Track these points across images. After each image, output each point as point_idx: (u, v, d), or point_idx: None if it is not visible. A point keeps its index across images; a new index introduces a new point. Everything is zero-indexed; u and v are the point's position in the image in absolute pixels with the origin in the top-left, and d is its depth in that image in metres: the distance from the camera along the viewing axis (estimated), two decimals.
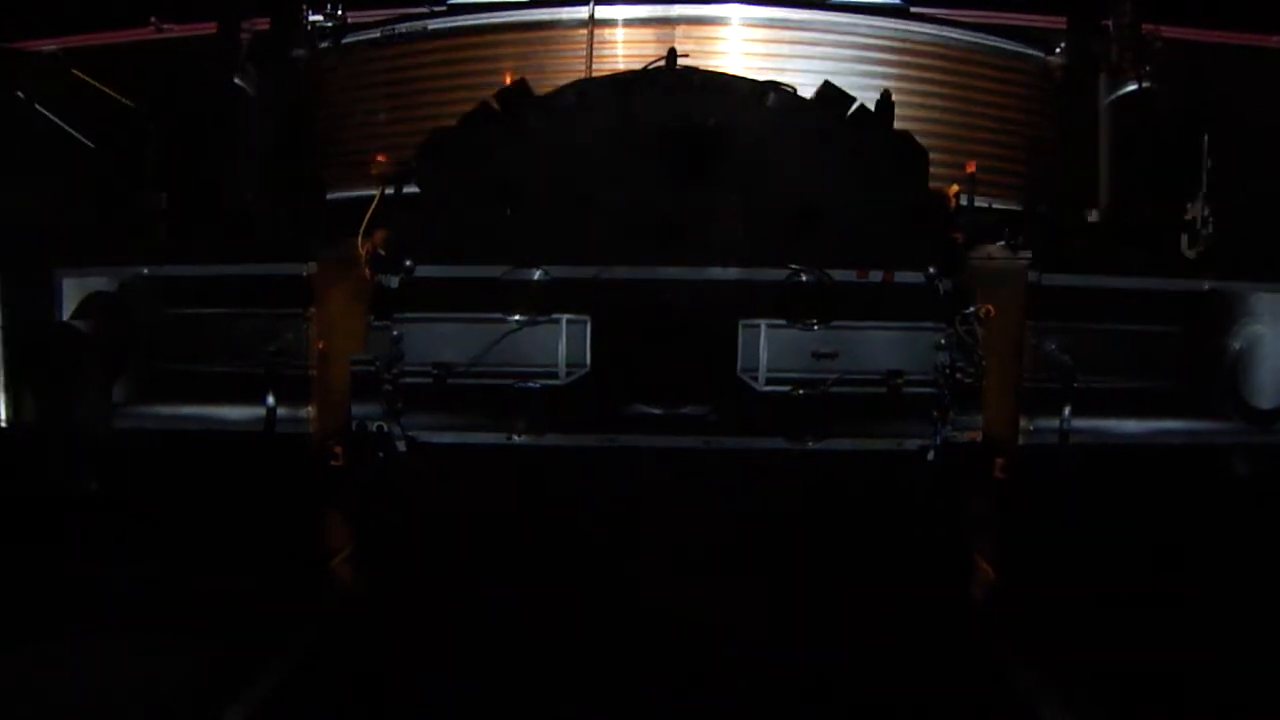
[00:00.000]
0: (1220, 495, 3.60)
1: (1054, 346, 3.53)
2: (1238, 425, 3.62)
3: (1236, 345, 3.61)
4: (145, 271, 3.71)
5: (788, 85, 3.79)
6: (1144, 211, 4.66)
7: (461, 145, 3.73)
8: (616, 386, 3.59)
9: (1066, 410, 3.49)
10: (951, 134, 4.91)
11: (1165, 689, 3.10)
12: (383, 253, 3.62)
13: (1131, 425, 3.62)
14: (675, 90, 3.69)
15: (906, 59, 4.93)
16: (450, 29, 5.04)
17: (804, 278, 3.59)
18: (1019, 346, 3.55)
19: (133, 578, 3.60)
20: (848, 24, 4.92)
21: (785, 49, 4.85)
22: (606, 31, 4.80)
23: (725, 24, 4.89)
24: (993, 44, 5.12)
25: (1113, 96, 4.89)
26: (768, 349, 3.59)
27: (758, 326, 3.59)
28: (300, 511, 3.59)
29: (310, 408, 3.58)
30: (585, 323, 3.59)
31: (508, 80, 3.95)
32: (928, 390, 3.61)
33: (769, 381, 3.59)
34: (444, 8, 5.10)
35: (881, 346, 3.61)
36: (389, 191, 3.76)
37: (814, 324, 3.59)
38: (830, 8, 4.98)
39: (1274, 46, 5.87)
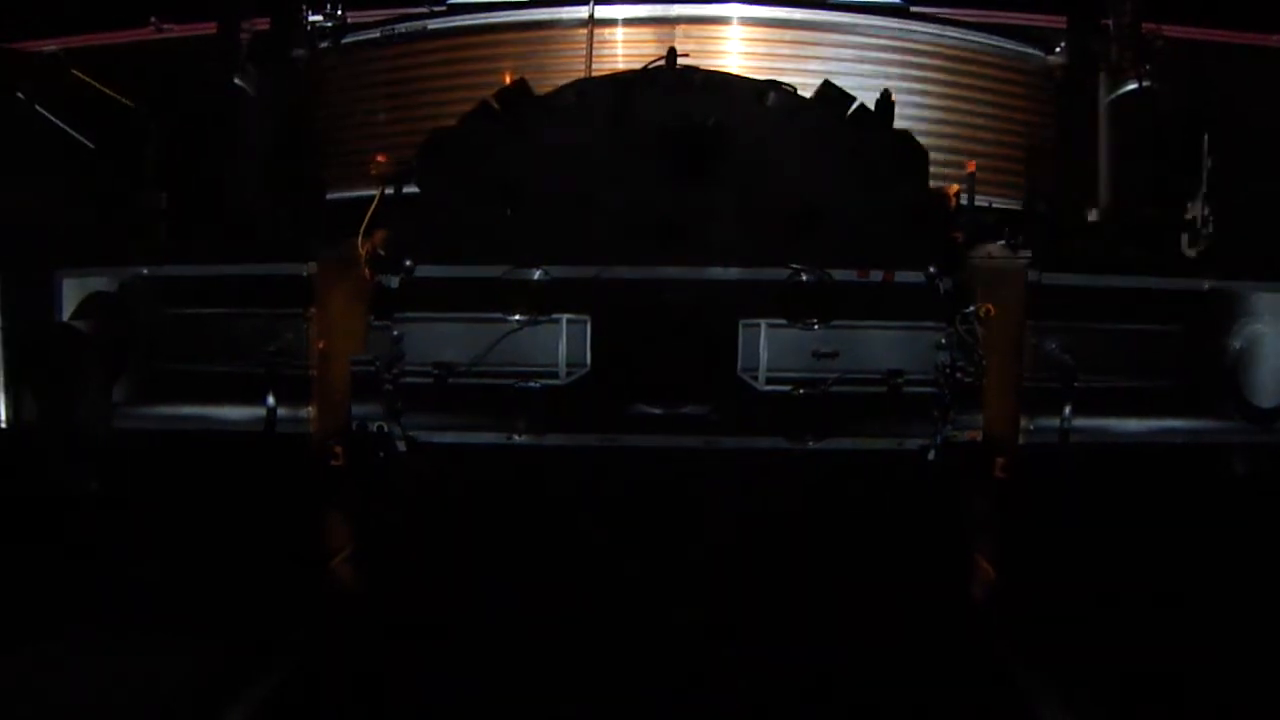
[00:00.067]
0: (1221, 495, 3.60)
1: (1054, 346, 3.53)
2: (1238, 424, 3.62)
3: (1237, 344, 3.61)
4: (145, 271, 3.71)
5: (788, 85, 3.79)
6: (1144, 211, 4.66)
7: (461, 145, 3.73)
8: (617, 386, 3.59)
9: (1067, 409, 3.49)
10: (951, 134, 4.91)
11: (1165, 689, 3.10)
12: (383, 253, 3.62)
13: (1132, 424, 3.62)
14: (675, 90, 3.69)
15: (907, 58, 4.93)
16: (450, 29, 5.04)
17: (804, 277, 3.59)
18: (1019, 346, 3.55)
19: (133, 578, 3.60)
20: (848, 23, 4.93)
21: (785, 48, 4.85)
22: (606, 31, 4.80)
23: (725, 23, 4.89)
24: (993, 43, 5.12)
25: (1113, 96, 4.88)
26: (768, 348, 3.59)
27: (758, 326, 3.59)
28: (300, 511, 3.59)
29: (310, 408, 3.58)
30: (585, 322, 3.59)
31: (507, 80, 3.94)
32: (928, 390, 3.61)
33: (769, 381, 3.59)
34: (444, 7, 5.10)
35: (882, 346, 3.61)
36: (389, 191, 3.76)
37: (814, 323, 3.59)
38: (830, 7, 4.98)
39: (1275, 46, 5.86)
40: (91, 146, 4.84)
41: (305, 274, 3.59)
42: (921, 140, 3.82)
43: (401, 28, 5.06)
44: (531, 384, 3.58)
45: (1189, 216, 4.29)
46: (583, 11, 4.70)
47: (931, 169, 3.80)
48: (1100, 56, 4.95)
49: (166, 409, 3.70)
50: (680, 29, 4.81)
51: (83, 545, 3.64)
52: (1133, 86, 4.79)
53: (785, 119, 3.67)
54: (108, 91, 5.07)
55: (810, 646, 3.36)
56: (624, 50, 4.79)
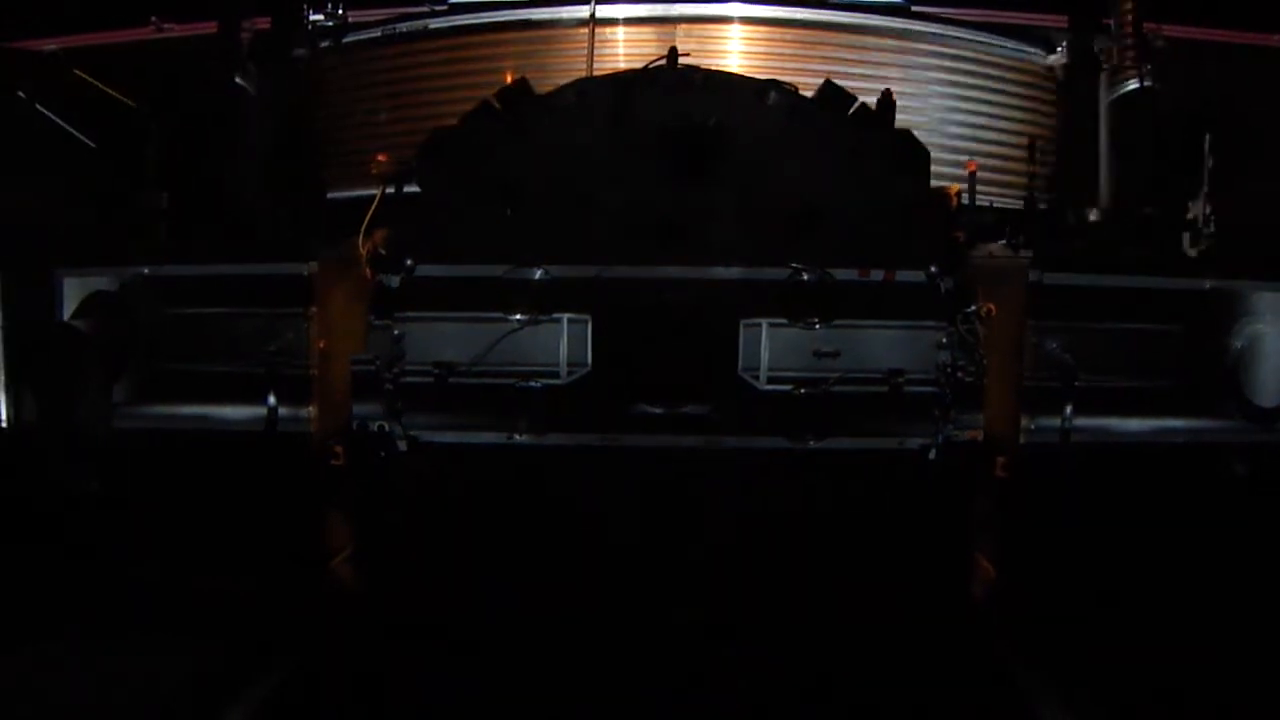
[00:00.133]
0: (1221, 495, 3.60)
1: (1055, 345, 3.53)
2: (1239, 424, 3.62)
3: (1238, 344, 3.61)
4: (146, 271, 3.71)
5: (789, 84, 3.79)
6: (1144, 211, 4.66)
7: (462, 144, 3.72)
8: (618, 386, 3.59)
9: (1068, 409, 3.49)
10: (953, 133, 4.91)
11: (1165, 688, 3.10)
12: (383, 252, 3.61)
13: (1133, 424, 3.62)
14: (676, 89, 3.69)
15: (908, 58, 4.94)
16: (451, 28, 5.05)
17: (805, 277, 3.58)
18: (1020, 345, 3.55)
19: (133, 578, 3.60)
20: (849, 23, 4.93)
21: (787, 48, 4.86)
22: (607, 30, 4.80)
23: (726, 23, 4.90)
24: (994, 43, 5.13)
25: (1114, 96, 4.88)
26: (769, 348, 3.58)
27: (759, 326, 3.59)
28: (300, 511, 3.59)
29: (311, 407, 3.58)
30: (586, 322, 3.59)
31: (508, 79, 3.94)
32: (929, 389, 3.61)
33: (770, 381, 3.59)
34: (445, 7, 5.11)
35: (883, 345, 3.61)
36: (390, 191, 3.75)
37: (815, 323, 3.59)
38: (832, 6, 4.99)
39: (1276, 46, 5.86)
40: (92, 146, 4.84)
41: (306, 274, 3.59)
42: (922, 140, 3.82)
43: (402, 27, 5.06)
44: (532, 383, 3.58)
45: (1189, 216, 4.29)
46: (584, 11, 4.70)
47: (932, 168, 3.79)
48: (1101, 56, 4.95)
49: (166, 409, 3.69)
50: (681, 28, 4.81)
51: (83, 545, 3.64)
52: (1133, 86, 4.79)
53: (786, 119, 3.67)
54: (108, 91, 5.07)
55: (810, 646, 3.36)
56: (625, 50, 4.79)
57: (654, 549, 3.54)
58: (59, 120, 4.82)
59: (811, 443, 3.58)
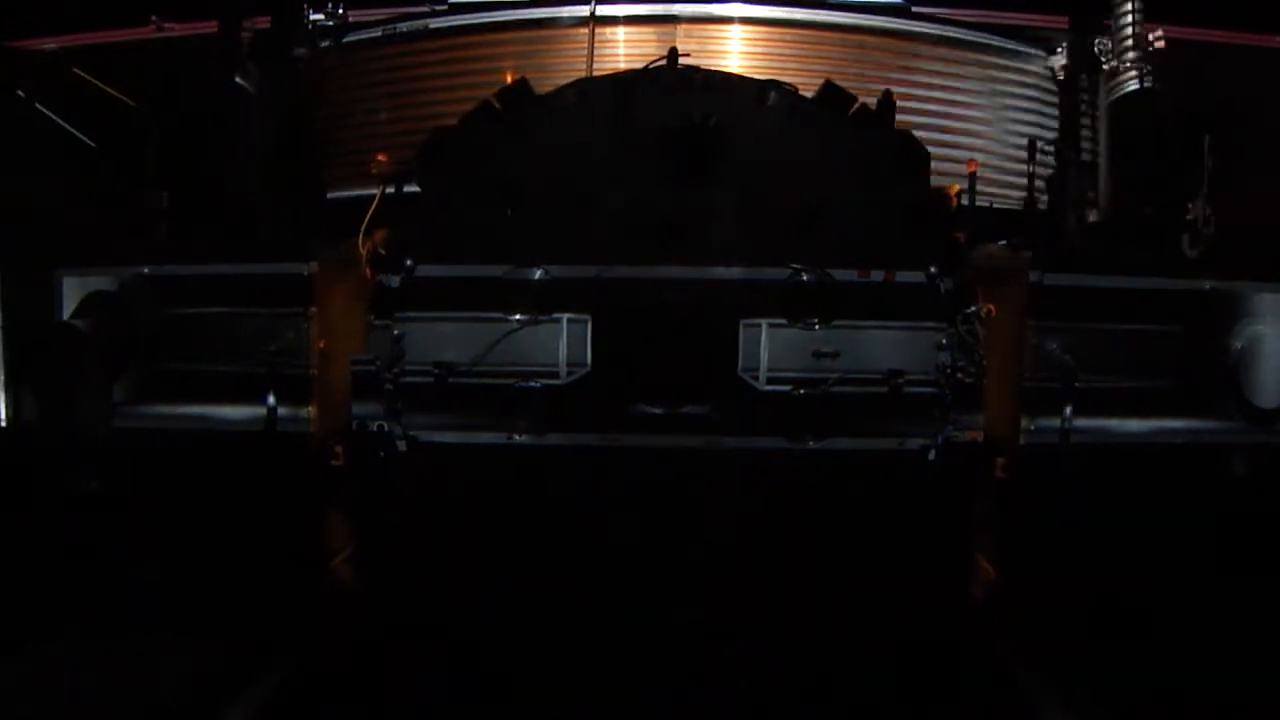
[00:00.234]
0: (1221, 495, 3.60)
1: (1055, 346, 3.54)
2: (1239, 425, 3.62)
3: (1238, 345, 3.61)
4: (146, 271, 3.70)
5: (789, 84, 3.79)
6: (1144, 211, 4.66)
7: (462, 144, 3.73)
8: (617, 386, 3.59)
9: (1068, 410, 3.49)
10: (953, 134, 4.91)
11: (1165, 688, 3.09)
12: (383, 252, 3.61)
13: (1133, 425, 3.62)
14: (676, 89, 3.69)
15: (908, 58, 4.94)
16: (451, 28, 5.05)
17: (805, 277, 3.59)
18: (1020, 346, 3.54)
19: (133, 578, 3.60)
20: (850, 23, 4.93)
21: (787, 48, 4.86)
22: (608, 30, 4.81)
23: (727, 23, 4.90)
24: (994, 43, 5.13)
25: (1114, 96, 4.88)
26: (769, 348, 3.59)
27: (759, 326, 3.59)
28: (300, 511, 3.59)
29: (311, 407, 3.57)
30: (586, 322, 3.59)
31: (509, 79, 3.95)
32: (929, 390, 3.61)
33: (770, 381, 3.59)
34: (445, 6, 5.11)
35: (883, 346, 3.61)
36: (390, 191, 3.75)
37: (815, 323, 3.59)
38: (832, 7, 4.99)
39: (1276, 46, 5.85)
40: (92, 146, 4.83)
41: (306, 274, 3.59)
42: (922, 140, 3.82)
43: (403, 27, 5.07)
44: (532, 384, 3.58)
45: (1189, 217, 4.29)
46: (584, 10, 4.70)
47: (932, 169, 3.79)
48: (1101, 57, 4.95)
49: (166, 409, 3.69)
50: (682, 28, 4.82)
51: (83, 545, 3.64)
52: (1133, 87, 4.79)
53: (786, 119, 3.67)
54: (108, 90, 5.07)
55: (810, 646, 3.35)
56: (625, 49, 4.79)
57: (654, 549, 3.54)
58: (59, 120, 4.81)
59: (811, 443, 3.58)
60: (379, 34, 5.14)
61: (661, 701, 3.05)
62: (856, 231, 3.61)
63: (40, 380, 3.60)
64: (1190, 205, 4.29)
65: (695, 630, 3.36)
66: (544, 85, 3.93)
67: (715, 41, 4.87)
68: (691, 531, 3.55)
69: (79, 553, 3.63)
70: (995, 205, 4.74)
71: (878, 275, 3.61)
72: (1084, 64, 5.04)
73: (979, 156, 4.76)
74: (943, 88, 4.99)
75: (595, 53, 4.63)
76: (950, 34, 5.07)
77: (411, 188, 3.80)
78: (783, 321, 3.59)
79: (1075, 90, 5.09)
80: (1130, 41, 4.82)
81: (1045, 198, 4.98)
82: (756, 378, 3.59)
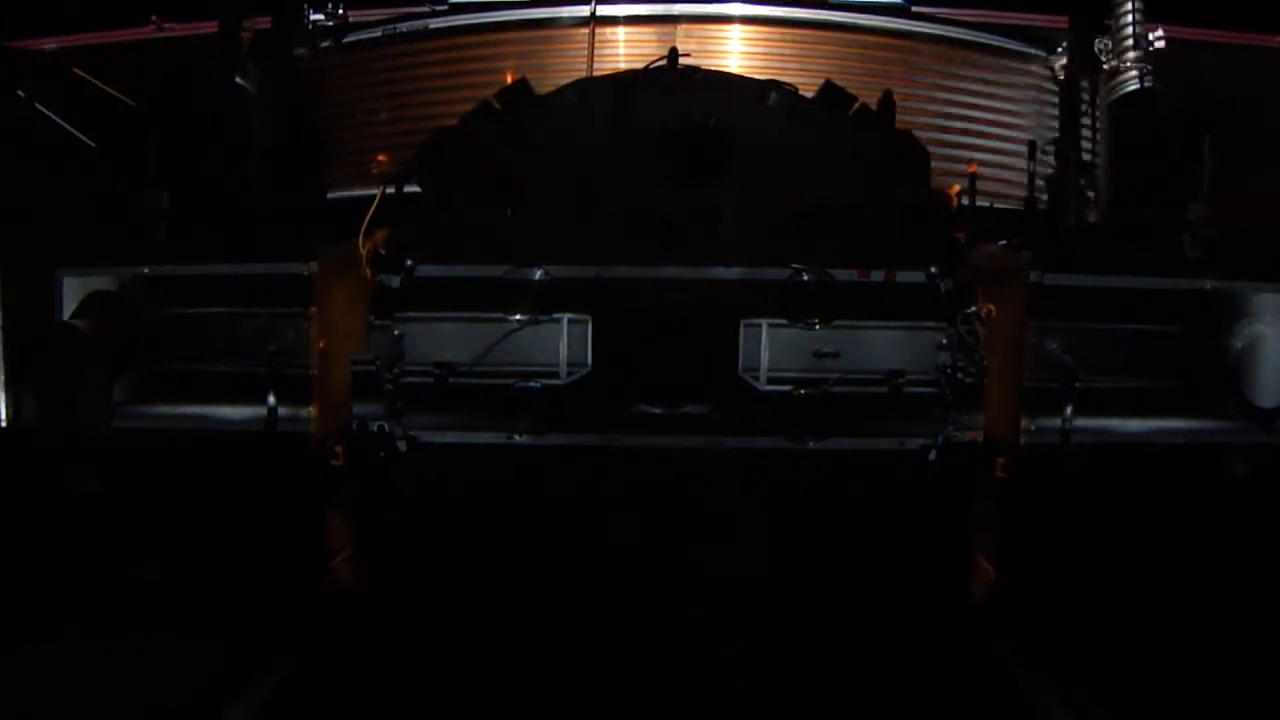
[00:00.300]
0: (1221, 495, 3.60)
1: (1055, 346, 3.53)
2: (1239, 425, 3.62)
3: (1238, 345, 3.61)
4: (146, 271, 3.70)
5: (789, 84, 3.79)
6: (1144, 211, 4.66)
7: (462, 144, 3.73)
8: (618, 386, 3.59)
9: (1068, 410, 3.48)
10: (953, 134, 4.91)
11: (1166, 689, 3.09)
12: (384, 252, 3.62)
13: (1133, 425, 3.62)
14: (676, 89, 3.70)
15: (908, 58, 4.94)
16: (451, 28, 5.05)
17: (805, 277, 3.59)
18: (1020, 346, 3.54)
19: (133, 578, 3.60)
20: (850, 23, 4.93)
21: (787, 48, 4.86)
22: (608, 30, 4.81)
23: (727, 22, 4.90)
24: (995, 43, 5.13)
25: (1114, 96, 4.88)
26: (769, 348, 3.59)
27: (759, 326, 3.59)
28: (300, 511, 3.59)
29: (311, 407, 3.57)
30: (586, 322, 3.59)
31: (509, 79, 3.95)
32: (929, 390, 3.61)
33: (770, 381, 3.59)
34: (445, 6, 5.11)
35: (883, 346, 3.61)
36: (390, 191, 3.75)
37: (815, 323, 3.59)
38: (832, 6, 4.99)
39: (1276, 46, 5.85)
40: (92, 146, 4.83)
41: (306, 274, 3.59)
42: (922, 140, 3.82)
43: (403, 27, 5.07)
44: (532, 384, 3.58)
45: (1189, 217, 4.29)
46: (584, 10, 4.70)
47: (933, 169, 3.79)
48: (1101, 57, 4.95)
49: (166, 409, 3.69)
50: (682, 28, 4.82)
51: (83, 545, 3.63)
52: (1133, 87, 4.79)
53: (787, 119, 3.68)
54: (108, 91, 5.07)
55: (810, 646, 3.35)
56: (626, 49, 4.80)
57: (654, 549, 3.54)
58: (59, 120, 4.81)
59: (811, 443, 3.58)
60: (379, 34, 5.14)
61: (661, 701, 3.05)
62: (857, 231, 3.61)
63: (40, 380, 3.60)
64: (1190, 205, 4.29)
65: (695, 630, 3.36)
66: (544, 85, 3.93)
67: (715, 41, 4.87)
68: (692, 532, 3.56)
69: (79, 553, 3.63)
70: (995, 205, 4.74)
71: (878, 275, 3.61)
72: (1084, 64, 5.03)
73: (979, 156, 4.76)
74: (943, 88, 4.99)
75: (595, 53, 4.63)
76: (950, 34, 5.07)
77: (412, 188, 3.80)
78: (783, 321, 3.60)
79: (1075, 90, 5.08)
80: (1130, 41, 4.82)
81: (1045, 198, 4.98)
82: (757, 378, 3.59)
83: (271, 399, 3.52)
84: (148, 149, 4.62)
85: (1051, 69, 5.21)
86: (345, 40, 5.18)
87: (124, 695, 3.09)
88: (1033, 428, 3.52)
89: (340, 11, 5.11)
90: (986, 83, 5.08)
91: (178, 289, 3.71)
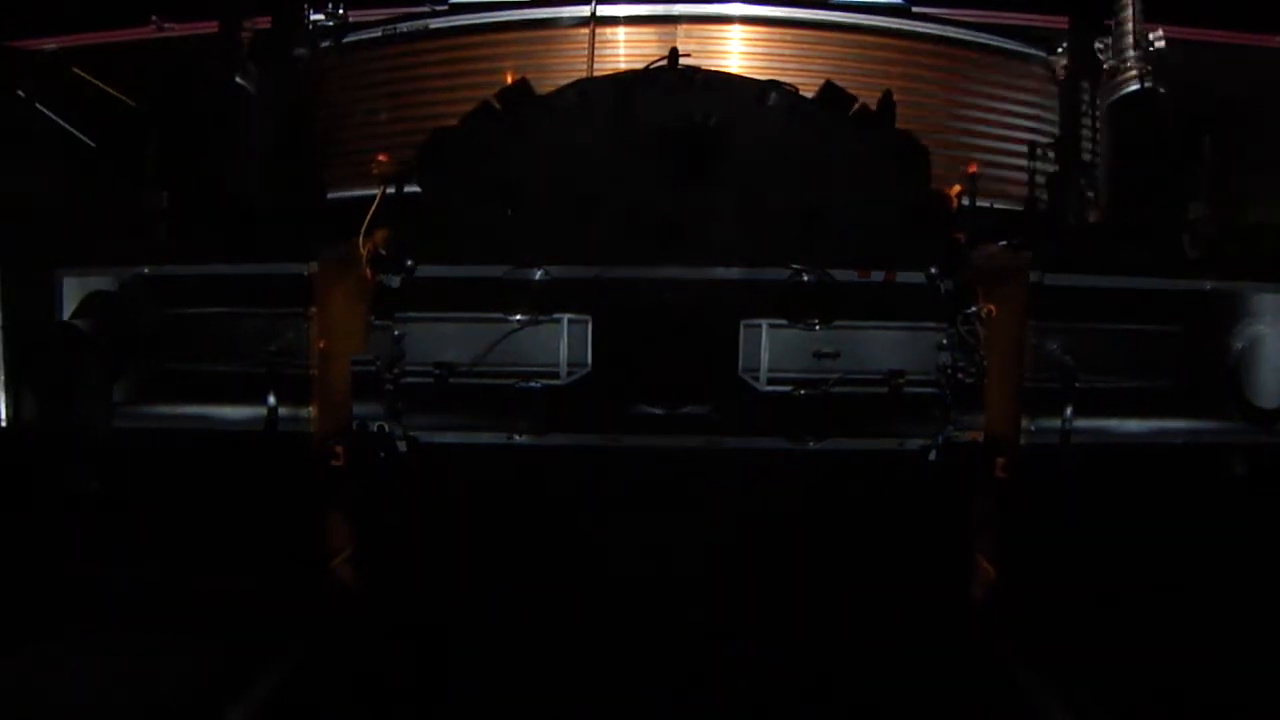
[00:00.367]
0: (1221, 495, 3.60)
1: (1055, 346, 3.53)
2: (1239, 425, 3.62)
3: (1238, 345, 3.61)
4: (146, 271, 3.70)
5: (789, 85, 3.79)
6: (1144, 211, 4.66)
7: (463, 145, 3.73)
8: (618, 386, 3.59)
9: (1068, 410, 3.48)
10: (953, 134, 4.91)
11: (1166, 689, 3.09)
12: (384, 252, 3.61)
13: (1133, 425, 3.62)
14: (677, 89, 3.69)
15: (908, 58, 4.94)
16: (451, 28, 5.05)
17: (805, 277, 3.59)
18: (1020, 346, 3.54)
19: (133, 578, 3.60)
20: (850, 23, 4.93)
21: (787, 48, 4.86)
22: (608, 30, 4.81)
23: (727, 23, 4.90)
24: (995, 43, 5.13)
25: (1114, 97, 4.88)
26: (769, 349, 3.59)
27: (759, 326, 3.59)
28: (300, 511, 3.59)
29: (311, 407, 3.57)
30: (586, 322, 3.59)
31: (509, 79, 3.94)
32: (929, 390, 3.62)
33: (770, 381, 3.60)
34: (445, 7, 5.11)
35: (883, 346, 3.61)
36: (390, 191, 3.75)
37: (815, 324, 3.59)
38: (833, 7, 4.99)
39: (1276, 46, 5.86)
40: (92, 145, 4.83)
41: (306, 274, 3.59)
42: (922, 140, 3.82)
43: (403, 27, 5.07)
44: (532, 384, 3.58)
45: (1190, 217, 4.29)
46: (584, 10, 4.70)
47: (933, 169, 3.79)
48: (1101, 57, 4.95)
49: (166, 409, 3.69)
50: (682, 28, 4.82)
51: (83, 545, 3.64)
52: (1134, 87, 4.79)
53: (787, 119, 3.67)
54: (109, 90, 5.07)
55: (810, 646, 3.35)
56: (626, 50, 4.79)
57: (654, 549, 3.54)
58: (59, 120, 4.81)
59: (811, 443, 3.58)
60: (379, 34, 5.14)
61: (662, 701, 3.05)
62: (857, 232, 3.61)
63: (40, 380, 3.60)
64: (1190, 205, 4.29)
65: (696, 630, 3.36)
66: (544, 85, 3.93)
67: (715, 41, 4.87)
68: (692, 532, 3.55)
69: (79, 553, 3.63)
70: (996, 205, 4.74)
71: (878, 275, 3.61)
72: (1084, 64, 5.03)
73: (979, 156, 4.76)
74: (943, 88, 4.99)
75: (596, 53, 4.63)
76: (950, 34, 5.06)
77: (412, 188, 3.80)
78: (783, 322, 3.60)
79: (1075, 90, 5.08)
80: (1130, 41, 4.81)
81: (1045, 198, 4.99)
82: (757, 378, 3.59)
83: (272, 399, 3.52)
84: (148, 149, 4.63)
85: (1051, 69, 5.21)
86: (345, 40, 5.17)
87: (124, 695, 3.09)
88: (1033, 428, 3.52)
89: (340, 11, 5.11)
90: (987, 83, 5.08)
91: (178, 289, 3.71)
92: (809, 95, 3.80)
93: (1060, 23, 5.27)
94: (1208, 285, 3.65)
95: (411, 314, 3.62)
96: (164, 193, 4.59)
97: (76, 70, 5.16)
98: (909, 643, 3.33)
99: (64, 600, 3.54)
